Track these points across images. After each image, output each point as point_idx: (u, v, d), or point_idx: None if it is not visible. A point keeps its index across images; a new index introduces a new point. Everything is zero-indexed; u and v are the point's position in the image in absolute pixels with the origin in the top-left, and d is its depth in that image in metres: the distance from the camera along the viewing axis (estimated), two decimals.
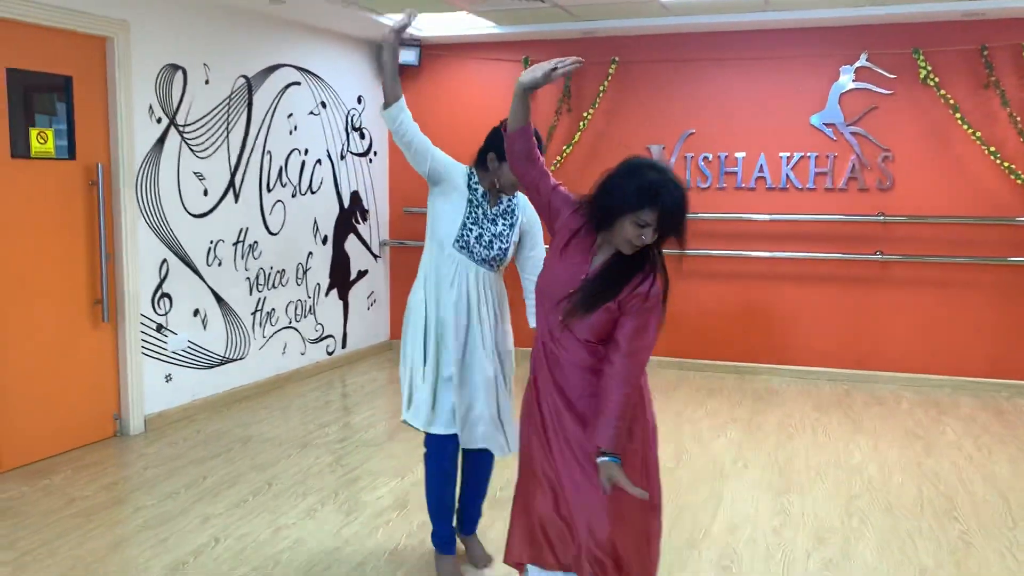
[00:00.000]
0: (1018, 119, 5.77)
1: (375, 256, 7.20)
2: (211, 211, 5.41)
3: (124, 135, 4.74)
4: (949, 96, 5.89)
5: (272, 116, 5.89)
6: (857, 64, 6.14)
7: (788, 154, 6.34)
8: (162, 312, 5.07)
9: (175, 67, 5.07)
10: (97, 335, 4.73)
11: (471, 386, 2.99)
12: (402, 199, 7.26)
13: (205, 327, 5.40)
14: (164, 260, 5.07)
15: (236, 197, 5.61)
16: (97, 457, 4.54)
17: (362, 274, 7.04)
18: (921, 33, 5.95)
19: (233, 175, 5.57)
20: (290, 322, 6.21)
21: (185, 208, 5.20)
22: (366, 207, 7.04)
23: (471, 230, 2.94)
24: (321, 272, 6.54)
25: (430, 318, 2.98)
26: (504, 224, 2.99)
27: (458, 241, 2.93)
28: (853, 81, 6.17)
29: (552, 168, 6.67)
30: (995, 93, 5.82)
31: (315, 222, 6.43)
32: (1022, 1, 5.42)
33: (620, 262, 2.25)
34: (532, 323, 2.71)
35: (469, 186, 2.98)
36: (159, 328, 5.05)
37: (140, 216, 4.88)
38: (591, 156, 6.65)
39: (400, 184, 7.28)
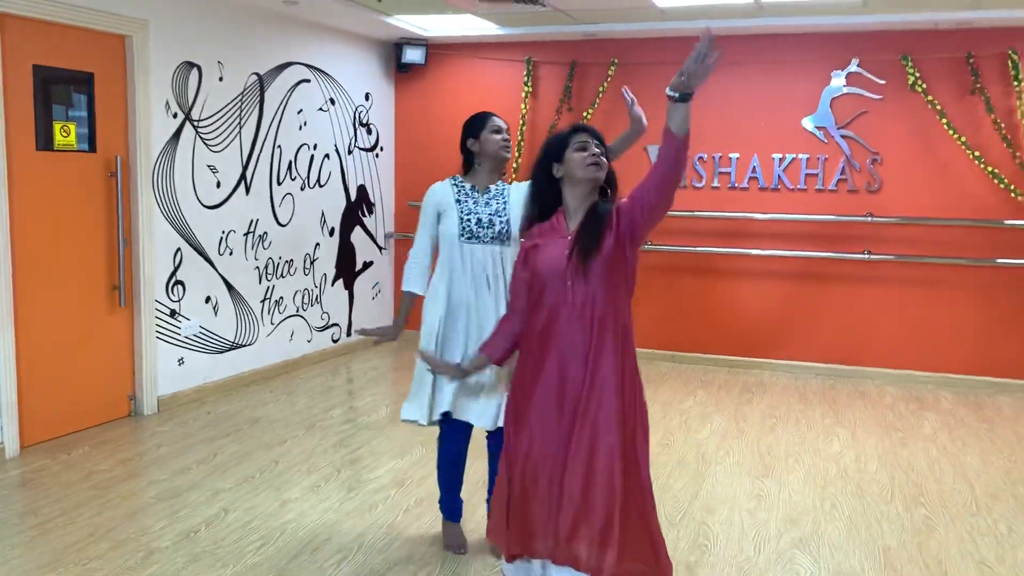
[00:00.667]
0: (1002, 125, 5.97)
1: (380, 248, 7.43)
2: (223, 203, 5.65)
3: (142, 129, 4.98)
4: (936, 102, 6.09)
5: (283, 112, 6.13)
6: (848, 69, 6.34)
7: (780, 155, 6.55)
8: (176, 298, 5.31)
9: (191, 64, 5.30)
10: (114, 319, 4.98)
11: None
12: (407, 193, 7.50)
13: (216, 313, 5.65)
14: (178, 249, 5.31)
15: (247, 189, 5.85)
16: (113, 435, 4.79)
17: (367, 265, 7.28)
18: (910, 41, 6.15)
19: (245, 168, 5.81)
20: (297, 310, 6.45)
21: (199, 199, 5.44)
22: (372, 200, 7.28)
23: (469, 219, 3.19)
24: (328, 263, 6.78)
25: (441, 308, 3.19)
26: (497, 204, 3.23)
27: (463, 234, 3.18)
28: (844, 86, 6.37)
29: None
30: (980, 100, 6.02)
31: (323, 214, 6.67)
32: (1006, 12, 5.62)
33: (593, 209, 2.54)
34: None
35: (455, 186, 3.26)
36: (172, 314, 5.30)
37: (156, 206, 5.12)
38: None
39: (405, 178, 7.52)
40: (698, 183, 6.73)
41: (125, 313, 5.03)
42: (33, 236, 4.48)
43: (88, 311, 4.82)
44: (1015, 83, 5.93)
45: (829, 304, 6.59)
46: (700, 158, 6.70)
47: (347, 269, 7.04)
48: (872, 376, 6.50)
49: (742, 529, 3.70)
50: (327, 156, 6.67)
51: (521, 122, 6.97)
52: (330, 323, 6.86)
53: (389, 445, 4.71)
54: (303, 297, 6.51)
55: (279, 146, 6.13)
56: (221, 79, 5.54)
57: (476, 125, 3.25)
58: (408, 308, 3.31)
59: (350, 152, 6.96)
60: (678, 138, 2.36)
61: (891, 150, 6.33)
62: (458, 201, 3.22)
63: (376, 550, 3.42)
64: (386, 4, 5.77)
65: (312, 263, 6.59)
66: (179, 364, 5.38)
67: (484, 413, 3.19)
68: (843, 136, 6.41)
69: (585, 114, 6.81)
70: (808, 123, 6.48)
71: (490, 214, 3.20)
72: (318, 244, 6.64)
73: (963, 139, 6.04)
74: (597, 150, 2.53)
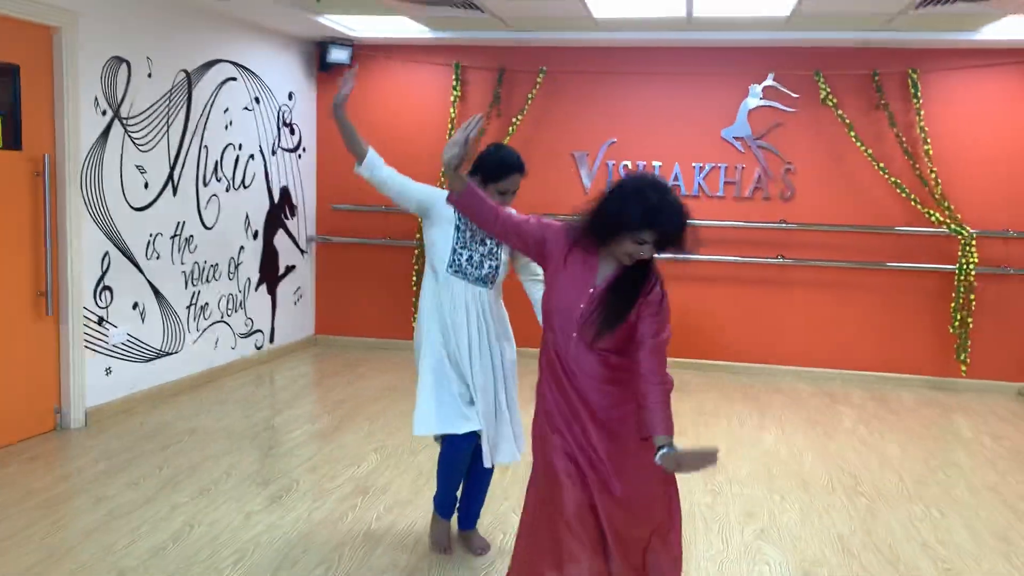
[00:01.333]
0: (903, 139, 6.43)
1: (302, 251, 7.28)
2: (151, 204, 5.41)
3: (70, 126, 4.72)
4: (845, 116, 6.50)
5: (210, 111, 5.92)
6: (764, 83, 6.68)
7: (701, 164, 6.83)
8: (103, 305, 5.05)
9: (120, 60, 5.06)
10: (39, 328, 4.69)
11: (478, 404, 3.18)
12: (330, 195, 7.37)
13: (143, 320, 5.40)
14: (106, 253, 5.05)
15: (175, 191, 5.62)
16: (42, 450, 4.51)
17: (290, 269, 7.11)
18: (822, 57, 6.54)
19: (172, 169, 5.58)
20: (222, 316, 6.24)
21: (127, 201, 5.20)
22: (295, 203, 7.12)
23: (461, 254, 3.14)
24: (251, 267, 6.58)
25: (436, 343, 3.18)
26: (493, 242, 3.18)
27: (451, 266, 3.15)
28: (761, 99, 6.71)
29: None
30: (884, 115, 6.47)
31: (247, 217, 6.47)
32: (908, 34, 6.07)
33: (627, 276, 2.43)
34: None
35: (455, 210, 3.17)
36: (100, 321, 5.03)
37: (84, 208, 4.86)
38: None
39: (328, 180, 7.39)
40: None
41: (51, 321, 4.75)
42: None
43: (12, 319, 4.53)
44: (915, 100, 6.40)
45: (744, 305, 6.91)
46: (625, 166, 6.90)
47: (270, 273, 6.86)
48: (784, 374, 6.87)
49: (706, 524, 3.86)
50: (252, 157, 6.49)
51: (450, 126, 6.98)
52: (254, 329, 6.66)
53: (341, 453, 4.64)
54: (228, 303, 6.30)
55: (206, 146, 5.91)
56: (150, 75, 5.30)
57: (494, 172, 3.10)
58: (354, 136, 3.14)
59: (274, 153, 6.79)
60: (637, 427, 2.46)
61: (803, 160, 6.71)
62: (457, 228, 3.14)
63: (358, 560, 3.38)
64: (324, 4, 5.67)
65: (237, 267, 6.39)
66: (107, 374, 5.11)
67: (502, 449, 3.24)
68: (759, 147, 6.75)
69: (515, 119, 6.89)
70: (727, 134, 6.78)
71: (483, 254, 3.16)
72: (242, 247, 6.45)
73: (869, 151, 6.47)
74: (647, 256, 2.39)
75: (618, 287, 2.44)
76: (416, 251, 7.06)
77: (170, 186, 5.57)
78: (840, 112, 6.51)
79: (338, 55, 7.00)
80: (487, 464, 3.21)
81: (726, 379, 6.73)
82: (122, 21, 5.05)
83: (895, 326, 6.70)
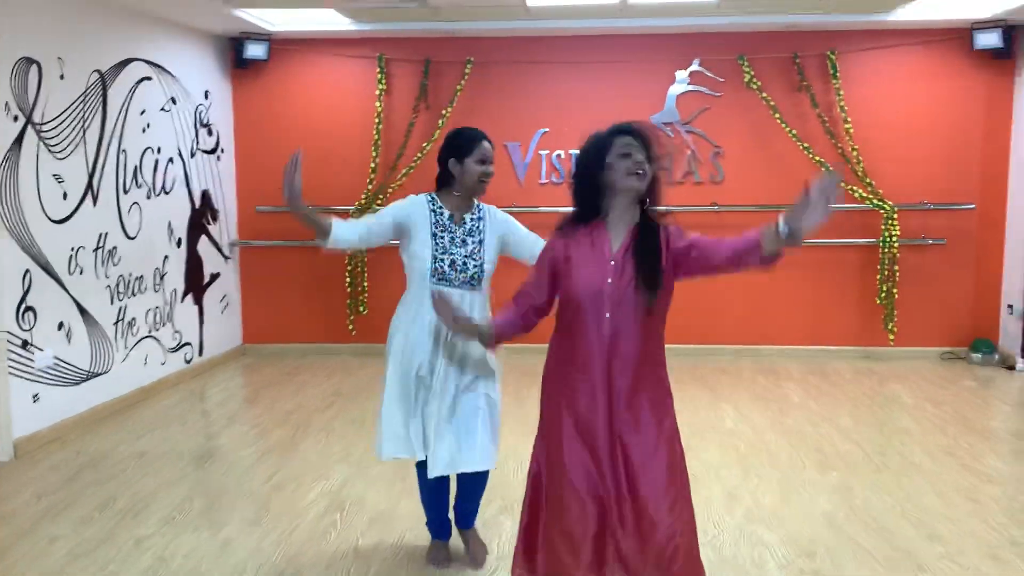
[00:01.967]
0: (825, 119, 6.63)
1: (225, 257, 6.93)
2: (71, 216, 5.02)
3: None
4: (769, 98, 6.65)
5: (126, 113, 5.54)
6: (690, 69, 6.76)
7: None
8: (27, 327, 4.66)
9: (30, 60, 4.66)
10: None
11: (460, 414, 3.03)
12: (252, 197, 7.04)
13: (70, 341, 5.01)
14: (27, 270, 4.66)
15: (95, 200, 5.24)
16: None
17: (215, 277, 6.76)
18: (746, 41, 6.66)
19: (91, 176, 5.20)
20: (150, 331, 5.87)
21: (45, 213, 4.80)
22: (216, 207, 6.77)
23: (443, 260, 2.99)
24: (177, 276, 6.22)
25: (397, 362, 3.05)
26: (473, 242, 3.05)
27: (435, 275, 2.99)
28: (687, 84, 6.79)
29: (411, 167, 6.77)
30: (806, 96, 6.65)
31: (169, 224, 6.11)
32: (828, 17, 6.24)
33: (642, 230, 2.41)
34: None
35: (433, 211, 3.03)
36: (24, 344, 4.64)
37: (1, 223, 4.46)
38: None
39: (249, 182, 7.06)
40: (557, 180, 6.89)
41: None
42: None
43: None
44: (834, 80, 6.60)
45: (682, 287, 6.93)
46: (558, 155, 6.86)
47: (195, 282, 6.50)
48: (724, 352, 6.99)
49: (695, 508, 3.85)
50: (171, 160, 6.12)
51: (377, 120, 6.77)
52: (183, 342, 6.30)
53: (304, 468, 4.42)
54: (155, 316, 5.93)
55: (124, 150, 5.53)
56: (62, 77, 4.91)
57: (463, 147, 2.98)
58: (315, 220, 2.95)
59: (193, 155, 6.42)
60: (764, 258, 2.29)
61: (731, 144, 6.83)
62: (434, 235, 3.00)
63: None
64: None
65: (162, 278, 6.02)
66: (34, 401, 4.72)
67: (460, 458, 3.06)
68: (688, 131, 6.83)
69: (444, 112, 6.74)
70: (656, 120, 6.83)
71: (464, 256, 3.02)
72: (167, 257, 6.08)
73: (793, 132, 6.64)
74: (640, 158, 2.37)
75: (638, 244, 2.40)
76: (348, 251, 6.84)
77: (90, 195, 5.19)
78: (764, 95, 6.65)
79: (255, 51, 6.69)
80: (431, 475, 3.02)
81: (672, 361, 6.72)
82: (30, 19, 4.65)
83: (825, 300, 6.91)
